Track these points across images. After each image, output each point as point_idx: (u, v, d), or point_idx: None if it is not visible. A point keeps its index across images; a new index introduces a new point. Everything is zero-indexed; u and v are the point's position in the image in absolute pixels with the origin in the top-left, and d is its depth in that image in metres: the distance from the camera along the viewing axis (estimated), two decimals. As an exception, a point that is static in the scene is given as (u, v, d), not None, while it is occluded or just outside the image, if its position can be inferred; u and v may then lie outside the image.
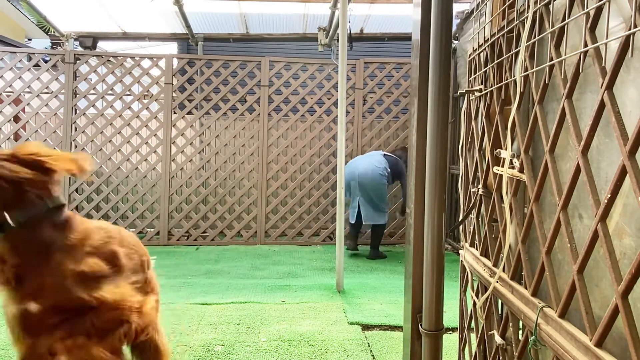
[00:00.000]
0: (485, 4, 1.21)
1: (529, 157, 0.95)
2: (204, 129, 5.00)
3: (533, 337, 0.86)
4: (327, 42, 5.11)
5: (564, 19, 0.82)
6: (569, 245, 0.79)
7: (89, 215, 4.88)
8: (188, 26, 5.03)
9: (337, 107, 4.97)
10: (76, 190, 4.84)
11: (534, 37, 0.91)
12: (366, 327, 2.60)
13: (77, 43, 5.44)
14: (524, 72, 0.88)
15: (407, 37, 5.73)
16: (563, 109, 0.78)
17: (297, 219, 5.08)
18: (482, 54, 1.27)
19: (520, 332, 1.05)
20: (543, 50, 0.92)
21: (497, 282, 1.04)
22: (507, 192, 0.94)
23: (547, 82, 0.85)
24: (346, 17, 3.18)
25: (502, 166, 1.03)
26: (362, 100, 5.07)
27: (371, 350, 2.29)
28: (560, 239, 0.87)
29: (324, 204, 5.05)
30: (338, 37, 5.02)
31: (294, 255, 4.46)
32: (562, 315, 0.80)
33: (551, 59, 0.83)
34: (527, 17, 0.86)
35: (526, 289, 0.95)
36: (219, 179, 4.99)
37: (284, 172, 5.07)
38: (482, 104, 1.25)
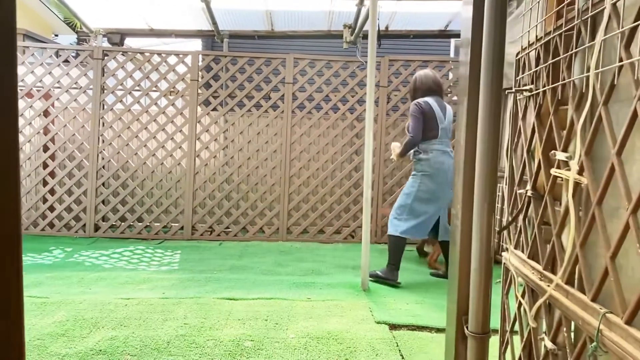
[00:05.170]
0: (538, 3, 1.18)
1: (589, 159, 0.92)
2: (228, 126, 5.04)
3: (594, 344, 0.84)
4: (352, 39, 5.09)
5: (636, 19, 0.80)
6: None
7: (115, 209, 4.96)
8: (214, 23, 5.06)
9: (360, 105, 4.96)
10: (103, 184, 4.93)
11: (599, 37, 0.89)
12: (393, 327, 2.59)
13: (105, 39, 5.53)
14: (593, 71, 0.86)
15: (432, 35, 5.68)
16: (635, 111, 0.76)
17: (319, 216, 5.08)
18: (531, 53, 1.25)
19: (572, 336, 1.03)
20: (607, 50, 0.90)
21: (550, 286, 1.02)
22: (572, 196, 0.92)
23: (614, 82, 0.83)
24: (376, 14, 3.15)
25: (559, 168, 1.01)
26: (387, 98, 5.04)
27: (400, 350, 2.28)
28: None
29: (346, 202, 5.04)
30: (363, 35, 5.02)
31: (317, 253, 4.47)
32: (629, 322, 0.78)
33: (620, 60, 0.81)
34: (604, 8, 0.84)
35: (583, 293, 0.93)
36: (242, 175, 5.02)
37: (306, 170, 5.08)
38: (532, 104, 1.23)
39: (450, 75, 5.20)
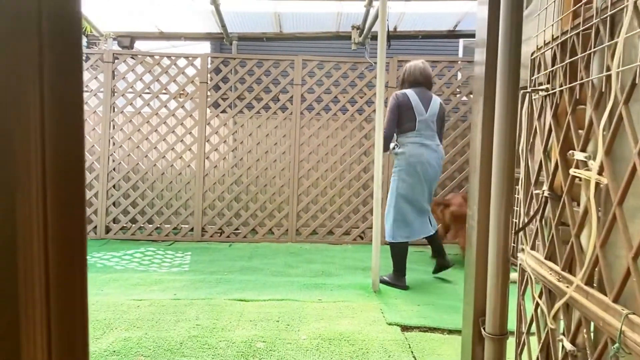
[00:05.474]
0: (554, 2, 1.17)
1: (609, 159, 0.92)
2: (237, 128, 5.06)
3: (617, 345, 0.83)
4: (361, 40, 5.09)
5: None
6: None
7: (125, 211, 4.99)
8: (223, 25, 5.09)
9: (369, 106, 4.96)
10: (114, 186, 4.97)
11: (619, 36, 0.88)
12: (405, 328, 2.58)
13: (115, 42, 5.58)
14: (615, 70, 0.85)
15: (441, 35, 5.67)
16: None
17: (328, 217, 5.08)
18: (547, 53, 1.24)
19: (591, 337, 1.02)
20: (627, 49, 0.89)
21: (570, 288, 1.01)
22: (593, 196, 0.91)
23: (636, 81, 0.82)
24: (385, 15, 3.15)
25: (577, 168, 1.01)
26: (395, 99, 5.02)
27: (412, 352, 2.27)
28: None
29: (355, 203, 5.04)
30: (372, 36, 5.02)
31: (326, 254, 4.46)
32: (653, 324, 0.77)
33: (642, 58, 0.80)
34: (624, 7, 0.83)
35: (604, 294, 0.92)
36: (251, 176, 5.04)
37: (315, 171, 5.09)
38: (548, 104, 1.22)
39: (460, 76, 5.17)
